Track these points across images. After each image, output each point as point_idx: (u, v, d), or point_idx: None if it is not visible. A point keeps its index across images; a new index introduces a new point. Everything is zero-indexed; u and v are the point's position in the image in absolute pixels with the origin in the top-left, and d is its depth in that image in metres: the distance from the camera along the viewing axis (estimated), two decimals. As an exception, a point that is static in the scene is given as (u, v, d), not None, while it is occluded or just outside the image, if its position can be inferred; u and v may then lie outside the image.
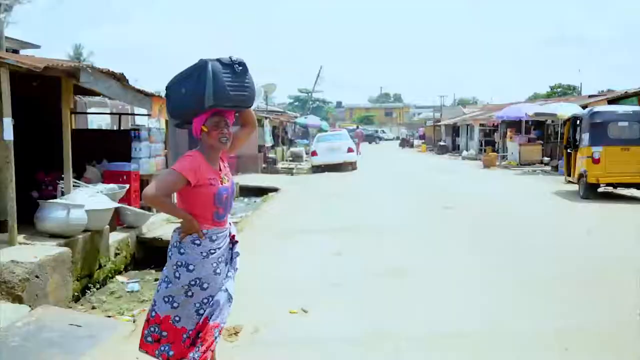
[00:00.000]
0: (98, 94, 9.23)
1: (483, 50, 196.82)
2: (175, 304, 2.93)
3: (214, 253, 2.95)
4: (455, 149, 36.30)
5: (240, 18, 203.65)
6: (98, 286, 6.46)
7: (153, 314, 2.99)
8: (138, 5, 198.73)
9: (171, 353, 2.93)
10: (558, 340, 4.13)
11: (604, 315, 4.69)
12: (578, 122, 13.10)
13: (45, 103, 7.86)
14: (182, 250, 2.93)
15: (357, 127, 43.66)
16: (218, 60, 2.89)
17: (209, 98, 2.82)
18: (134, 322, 5.03)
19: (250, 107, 3.08)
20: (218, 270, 2.97)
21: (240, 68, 2.92)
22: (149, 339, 2.99)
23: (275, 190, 15.78)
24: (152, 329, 2.98)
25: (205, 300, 2.94)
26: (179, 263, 2.92)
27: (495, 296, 5.29)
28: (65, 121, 6.53)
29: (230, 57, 2.93)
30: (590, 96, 24.20)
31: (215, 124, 2.93)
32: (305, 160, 27.30)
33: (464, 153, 30.72)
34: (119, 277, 6.90)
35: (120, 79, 7.09)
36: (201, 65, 2.87)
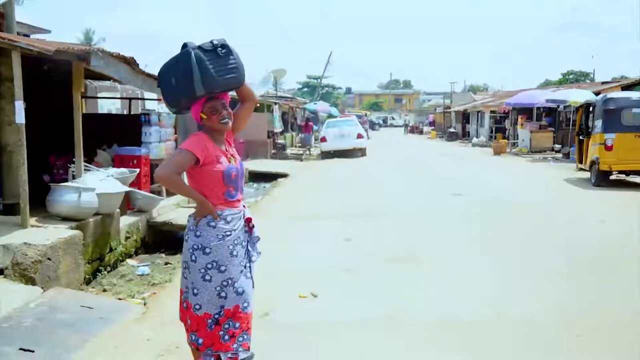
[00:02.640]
0: (108, 78, 9.24)
1: (494, 36, 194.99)
2: (195, 291, 2.92)
3: (230, 235, 2.94)
4: (465, 135, 36.06)
5: (250, 4, 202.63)
6: (109, 269, 6.51)
7: (185, 304, 3.01)
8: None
9: (200, 341, 2.93)
10: (570, 328, 4.12)
11: (616, 303, 4.66)
12: (591, 108, 12.91)
13: (56, 87, 7.87)
14: (197, 233, 2.92)
15: (366, 115, 43.90)
16: (199, 47, 2.86)
17: (199, 88, 2.81)
18: (144, 304, 5.06)
19: (242, 85, 3.02)
20: (234, 253, 2.95)
21: (224, 50, 2.88)
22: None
23: (284, 175, 15.81)
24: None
25: (225, 283, 2.92)
26: (195, 246, 2.92)
27: (506, 283, 5.27)
28: (76, 105, 6.52)
29: (211, 42, 2.89)
30: (603, 83, 23.88)
31: (213, 109, 2.93)
32: (315, 146, 27.24)
33: (474, 140, 30.51)
34: (129, 261, 6.94)
35: (130, 63, 7.07)
36: (184, 57, 2.84)
